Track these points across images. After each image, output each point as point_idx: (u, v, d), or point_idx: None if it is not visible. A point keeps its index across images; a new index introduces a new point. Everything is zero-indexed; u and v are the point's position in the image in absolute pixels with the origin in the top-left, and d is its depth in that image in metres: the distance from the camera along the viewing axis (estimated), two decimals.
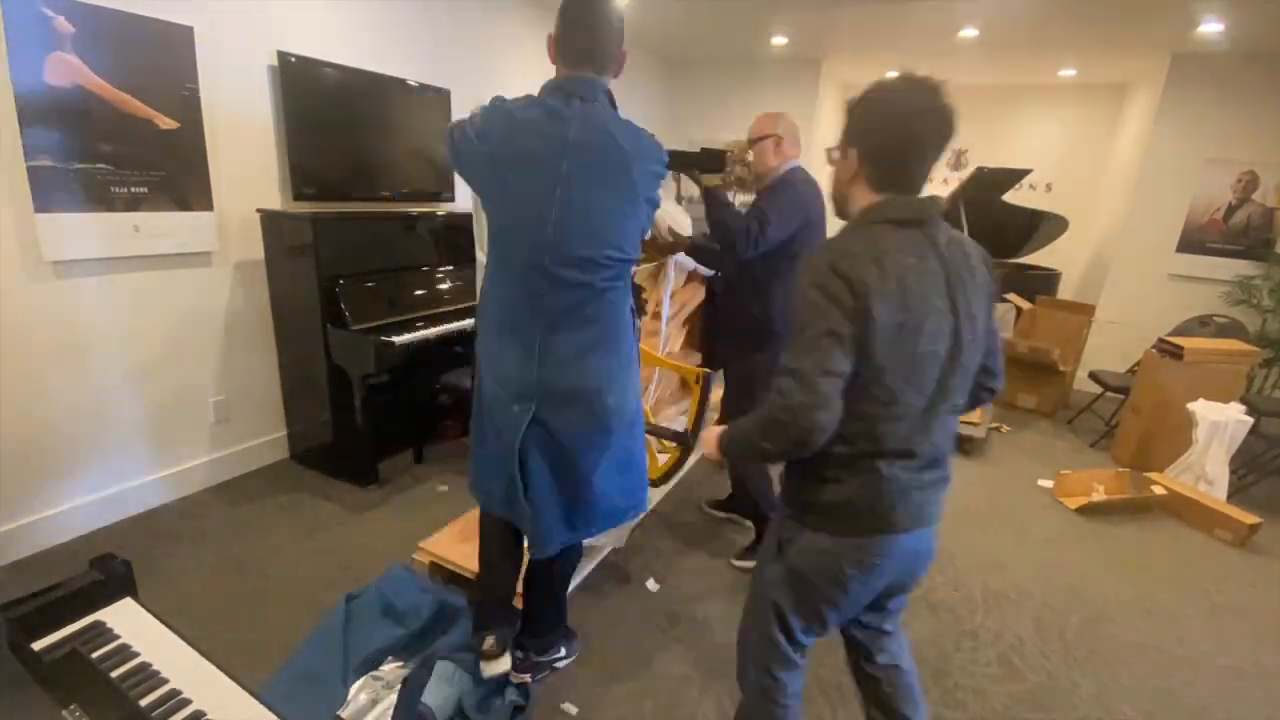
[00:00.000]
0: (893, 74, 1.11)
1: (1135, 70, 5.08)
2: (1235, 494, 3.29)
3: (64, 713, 0.74)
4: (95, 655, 0.88)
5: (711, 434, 1.32)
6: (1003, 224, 5.01)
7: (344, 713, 1.65)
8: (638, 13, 4.43)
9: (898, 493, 1.13)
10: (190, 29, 2.41)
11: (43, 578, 0.97)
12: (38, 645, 0.89)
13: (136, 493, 2.58)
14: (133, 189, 2.34)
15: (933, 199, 1.11)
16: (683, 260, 2.73)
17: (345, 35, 3.05)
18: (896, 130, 1.07)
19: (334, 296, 2.69)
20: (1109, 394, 4.17)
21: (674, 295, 2.89)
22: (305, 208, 2.85)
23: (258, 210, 2.76)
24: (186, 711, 0.82)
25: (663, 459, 2.47)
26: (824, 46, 5.16)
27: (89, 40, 2.15)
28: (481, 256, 2.05)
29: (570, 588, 2.25)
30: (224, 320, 2.78)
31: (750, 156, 2.21)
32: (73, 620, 0.94)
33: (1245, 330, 4.16)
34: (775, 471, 1.86)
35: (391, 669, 1.78)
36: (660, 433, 2.30)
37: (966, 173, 4.90)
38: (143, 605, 1.00)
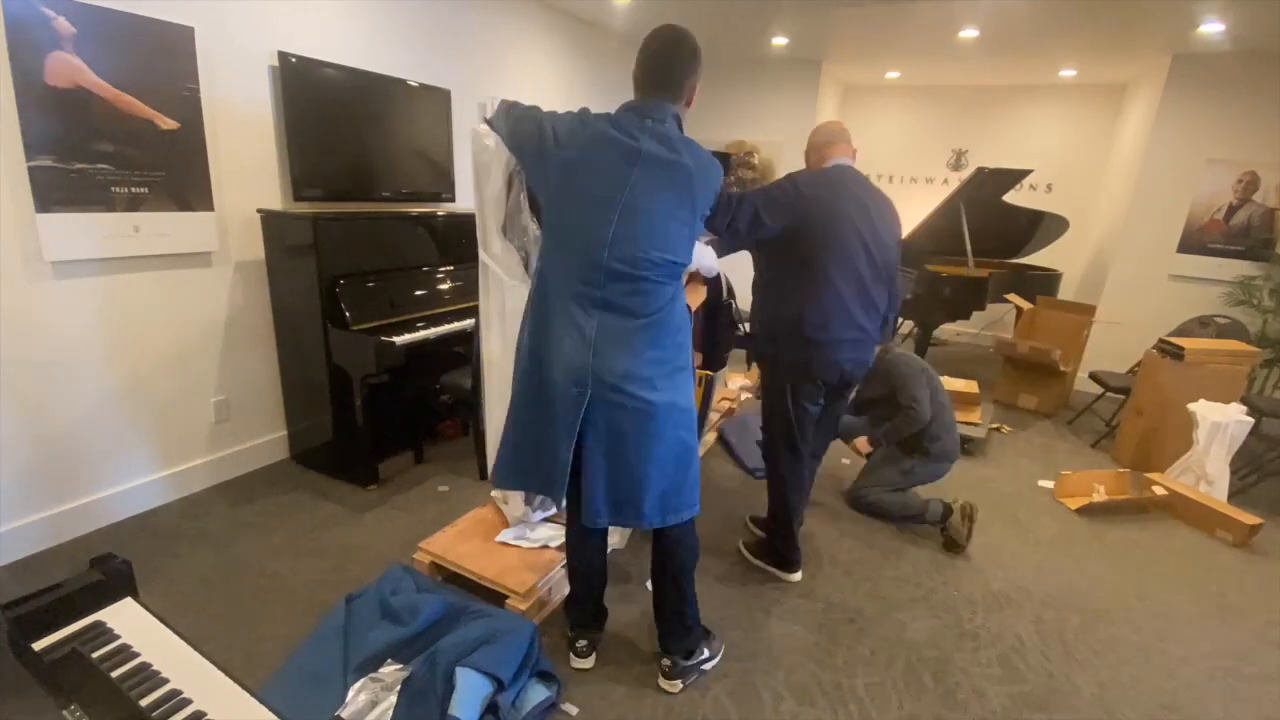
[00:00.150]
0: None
1: (1136, 70, 5.08)
2: (1236, 494, 3.28)
3: (64, 713, 0.74)
4: (95, 655, 0.88)
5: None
6: (1003, 224, 5.01)
7: (344, 713, 1.64)
8: (638, 13, 4.43)
9: None
10: (191, 29, 2.41)
11: (43, 578, 0.97)
12: (38, 645, 0.89)
13: (137, 492, 2.58)
14: (133, 189, 2.35)
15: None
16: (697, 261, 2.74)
17: (345, 35, 3.05)
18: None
19: (334, 296, 2.69)
20: (1109, 394, 4.17)
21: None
22: (306, 208, 2.86)
23: (258, 210, 2.76)
24: (187, 712, 0.82)
25: None
26: (824, 47, 5.16)
27: (89, 40, 2.15)
28: (484, 255, 2.06)
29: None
30: (224, 320, 2.78)
31: (756, 159, 2.22)
32: (73, 620, 0.94)
33: (1246, 331, 4.16)
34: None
35: (391, 671, 1.77)
36: None
37: (967, 173, 4.90)
38: (143, 605, 1.00)
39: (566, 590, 2.23)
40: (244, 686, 0.86)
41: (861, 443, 3.03)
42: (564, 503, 1.81)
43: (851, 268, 2.08)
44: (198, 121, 2.50)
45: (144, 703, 0.81)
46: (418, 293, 3.08)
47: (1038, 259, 5.41)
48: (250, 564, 2.33)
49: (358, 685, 1.72)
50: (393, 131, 3.24)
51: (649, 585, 2.33)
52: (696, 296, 2.47)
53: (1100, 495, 3.18)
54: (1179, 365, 3.45)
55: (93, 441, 2.42)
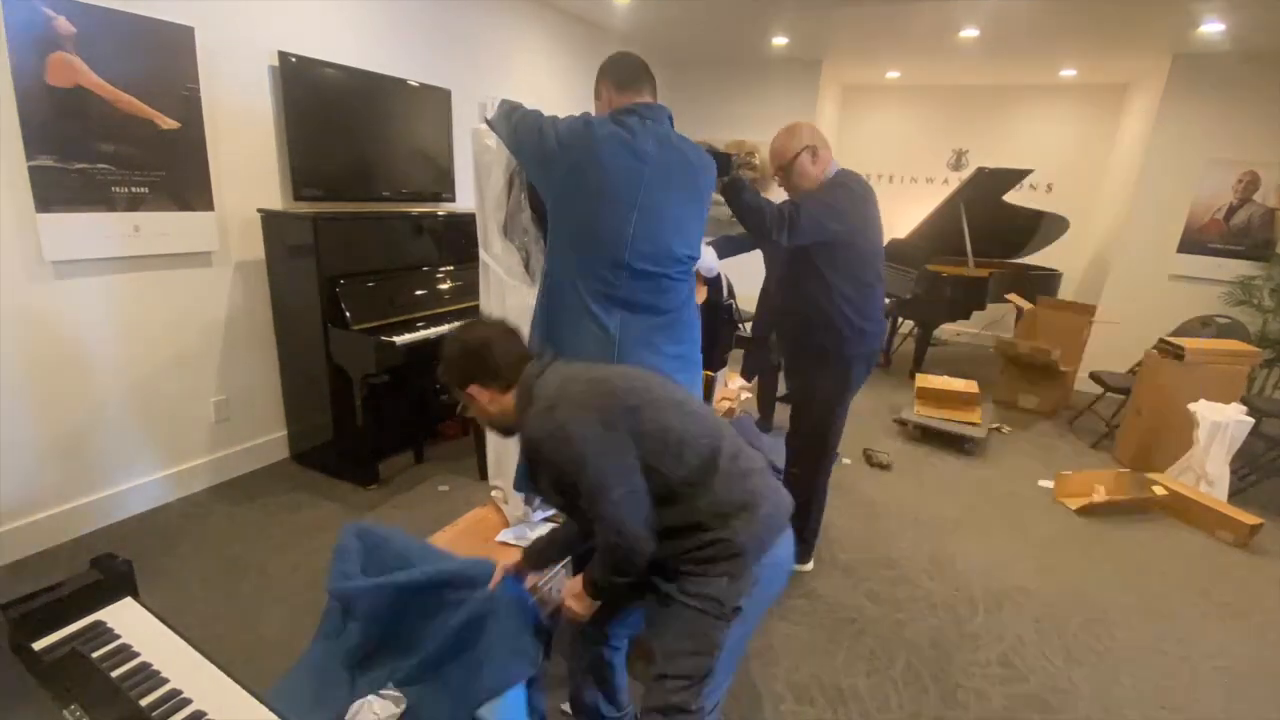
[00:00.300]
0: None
1: (1136, 70, 5.08)
2: (1236, 494, 3.28)
3: (65, 712, 0.74)
4: (96, 655, 0.88)
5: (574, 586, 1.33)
6: (1003, 224, 5.01)
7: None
8: (638, 13, 4.43)
9: None
10: (191, 29, 2.41)
11: (43, 578, 0.97)
12: (38, 645, 0.89)
13: (137, 492, 2.58)
14: (133, 189, 2.35)
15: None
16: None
17: (345, 35, 3.05)
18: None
19: (334, 296, 2.69)
20: (1110, 394, 4.17)
21: None
22: (306, 208, 2.85)
23: (258, 210, 2.76)
24: (187, 711, 0.82)
25: None
26: (824, 47, 5.16)
27: (90, 40, 2.15)
28: (485, 255, 2.06)
29: None
30: (225, 320, 2.78)
31: (756, 160, 2.21)
32: (73, 620, 0.95)
33: (1246, 331, 4.16)
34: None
35: (388, 701, 1.67)
36: None
37: (967, 173, 4.90)
38: (143, 605, 1.00)
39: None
40: (244, 686, 0.86)
41: None
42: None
43: (880, 261, 2.22)
44: (198, 121, 2.50)
45: (144, 702, 0.81)
46: (418, 292, 3.08)
47: (1038, 259, 5.40)
48: (250, 564, 2.33)
49: (354, 709, 1.61)
50: (393, 131, 3.24)
51: None
52: (697, 296, 2.45)
53: (1100, 495, 3.17)
54: (1179, 365, 3.45)
55: (93, 441, 2.42)
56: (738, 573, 1.16)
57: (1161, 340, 3.66)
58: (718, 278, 2.90)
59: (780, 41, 5.00)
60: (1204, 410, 3.22)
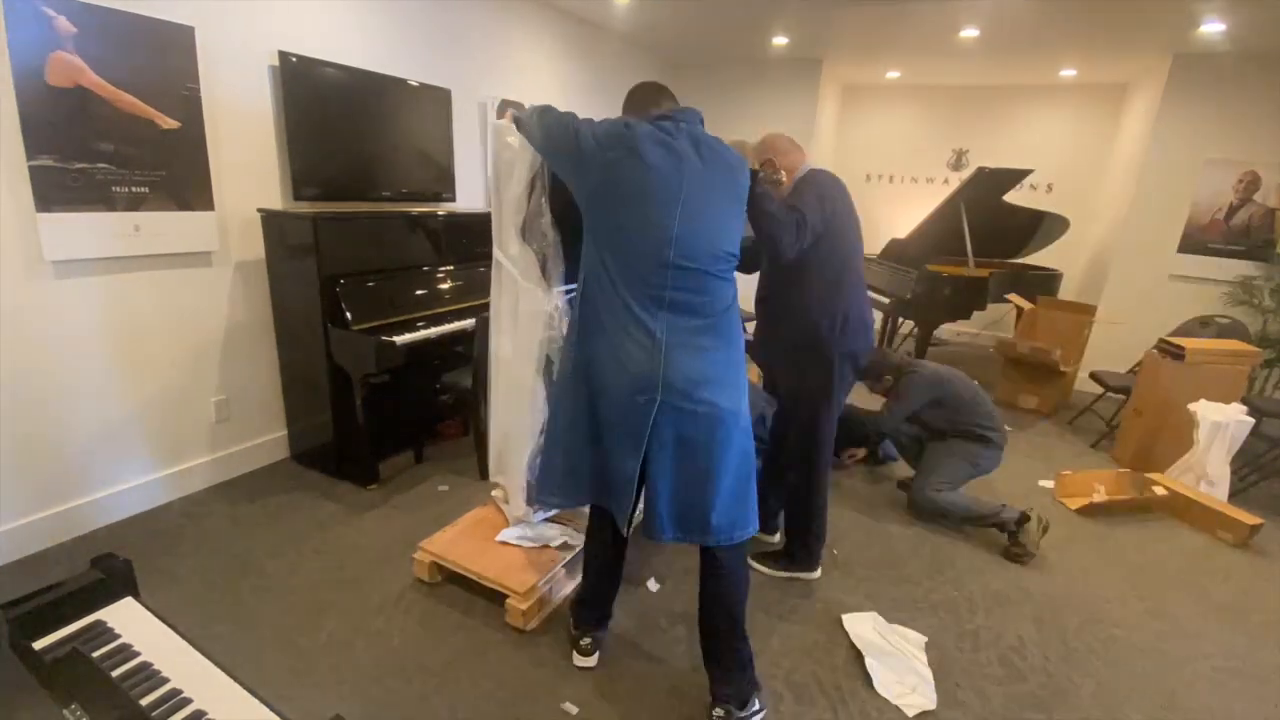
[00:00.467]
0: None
1: (1136, 70, 5.08)
2: (1236, 495, 3.28)
3: (65, 712, 0.74)
4: (96, 655, 0.88)
5: None
6: (1004, 224, 5.01)
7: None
8: (638, 13, 4.43)
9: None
10: (191, 29, 2.41)
11: (43, 577, 0.97)
12: (39, 645, 0.89)
13: (137, 492, 2.58)
14: (134, 189, 2.35)
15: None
16: None
17: (345, 35, 3.05)
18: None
19: (335, 296, 2.69)
20: (1110, 394, 4.17)
21: None
22: (306, 207, 2.86)
23: (258, 210, 2.76)
24: (187, 711, 0.82)
25: None
26: (825, 46, 5.16)
27: (90, 40, 2.15)
28: (499, 255, 2.03)
29: (571, 588, 2.26)
30: (225, 320, 2.78)
31: (783, 175, 2.17)
32: (73, 620, 0.94)
33: (1246, 331, 4.16)
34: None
35: None
36: None
37: (967, 173, 4.90)
38: (143, 605, 1.00)
39: (567, 589, 2.23)
40: (244, 686, 0.86)
41: (859, 452, 3.05)
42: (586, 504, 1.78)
43: (858, 256, 2.21)
44: (198, 121, 2.50)
45: (144, 702, 0.81)
46: (418, 292, 3.08)
47: (1038, 259, 5.40)
48: (250, 564, 2.33)
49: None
50: (393, 131, 3.24)
51: (651, 585, 2.34)
52: None
53: (1100, 495, 3.17)
54: (1179, 365, 3.44)
55: (93, 441, 2.42)
56: None
57: (1162, 340, 3.66)
58: None
59: (780, 41, 5.00)
60: (1204, 410, 3.22)
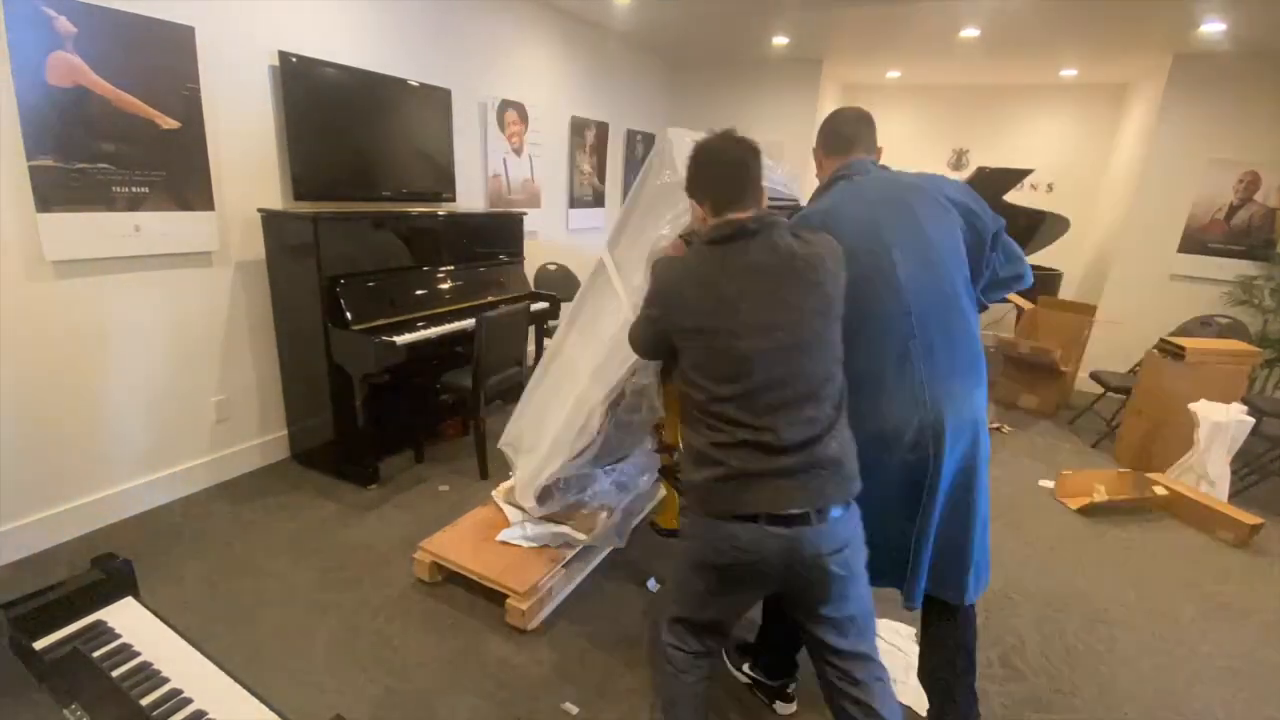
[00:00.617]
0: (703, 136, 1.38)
1: (1137, 70, 5.07)
2: (1237, 494, 3.28)
3: (65, 712, 0.74)
4: (96, 655, 0.88)
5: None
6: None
7: None
8: (638, 13, 4.43)
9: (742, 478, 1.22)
10: (191, 29, 2.41)
11: (43, 577, 0.97)
12: (39, 644, 0.89)
13: (137, 492, 2.58)
14: (134, 189, 2.35)
15: (747, 218, 1.29)
16: None
17: (345, 35, 3.05)
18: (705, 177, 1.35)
19: (335, 296, 2.69)
20: (1110, 394, 4.17)
21: None
22: (306, 207, 2.85)
23: (259, 210, 2.76)
24: (187, 711, 0.82)
25: None
26: (824, 46, 5.16)
27: (90, 40, 2.15)
28: (607, 256, 1.92)
29: (571, 588, 2.25)
30: (225, 320, 2.78)
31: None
32: (74, 619, 0.94)
33: (1247, 331, 4.15)
34: None
35: None
36: None
37: (967, 173, 4.90)
38: (144, 604, 1.00)
39: (567, 589, 2.23)
40: (244, 686, 0.86)
41: None
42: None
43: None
44: (198, 121, 2.50)
45: (145, 702, 0.81)
46: (418, 292, 3.08)
47: (1039, 259, 5.39)
48: (250, 564, 2.33)
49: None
50: (393, 131, 3.24)
51: (649, 585, 2.34)
52: None
53: (1101, 495, 3.17)
54: (1180, 365, 3.44)
55: (93, 441, 2.42)
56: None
57: (1162, 340, 3.66)
58: None
59: (780, 41, 5.00)
60: (1204, 410, 3.22)
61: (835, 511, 1.24)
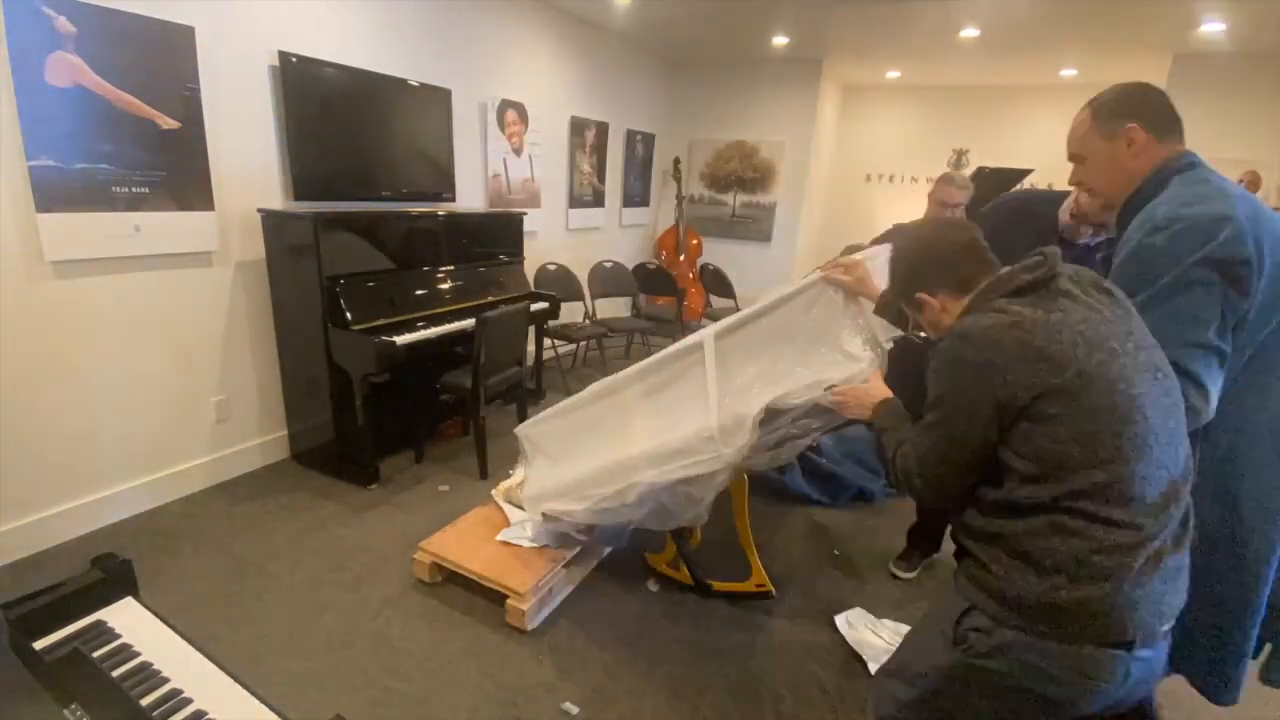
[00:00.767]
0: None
1: (1137, 70, 5.07)
2: None
3: (65, 712, 0.74)
4: (96, 655, 0.88)
5: (872, 391, 1.43)
6: None
7: None
8: (638, 13, 4.43)
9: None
10: (191, 29, 2.41)
11: (43, 577, 0.97)
12: (39, 644, 0.89)
13: (137, 492, 2.58)
14: (134, 189, 2.35)
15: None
16: None
17: (346, 35, 3.05)
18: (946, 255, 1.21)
19: (335, 296, 2.69)
20: None
21: None
22: (306, 207, 2.85)
23: (258, 210, 2.76)
24: (187, 711, 0.82)
25: None
26: (824, 46, 5.16)
27: (90, 40, 2.15)
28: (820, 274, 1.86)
29: (571, 588, 2.26)
30: (225, 320, 2.78)
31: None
32: (74, 620, 0.94)
33: None
34: None
35: None
36: None
37: (967, 172, 4.90)
38: (144, 605, 1.00)
39: (567, 589, 2.23)
40: (244, 686, 0.86)
41: None
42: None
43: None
44: (198, 121, 2.50)
45: (145, 702, 0.81)
46: (418, 292, 3.08)
47: None
48: (250, 564, 2.33)
49: None
50: (393, 131, 3.24)
51: (649, 585, 2.34)
52: None
53: None
54: None
55: (93, 441, 2.42)
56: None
57: None
58: None
59: (780, 41, 5.01)
60: None
61: None
